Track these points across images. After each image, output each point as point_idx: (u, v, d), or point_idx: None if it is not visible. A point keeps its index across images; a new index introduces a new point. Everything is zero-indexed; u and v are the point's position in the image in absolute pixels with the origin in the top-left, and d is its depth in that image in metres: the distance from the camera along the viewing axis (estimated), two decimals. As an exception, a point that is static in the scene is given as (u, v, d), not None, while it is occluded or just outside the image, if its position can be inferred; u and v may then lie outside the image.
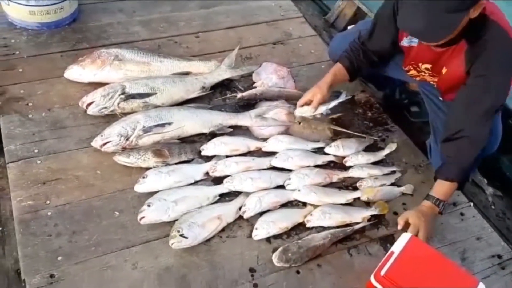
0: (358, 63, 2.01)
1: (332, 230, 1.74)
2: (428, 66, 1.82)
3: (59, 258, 1.55)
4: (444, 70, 1.77)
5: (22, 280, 1.56)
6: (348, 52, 2.03)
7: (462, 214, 1.93)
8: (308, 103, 1.98)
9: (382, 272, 1.44)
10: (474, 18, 1.51)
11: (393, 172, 2.00)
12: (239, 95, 2.13)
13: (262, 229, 1.69)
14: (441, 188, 1.73)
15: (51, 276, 1.51)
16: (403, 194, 1.94)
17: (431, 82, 1.91)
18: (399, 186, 1.95)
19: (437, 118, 1.96)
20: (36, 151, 1.82)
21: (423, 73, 1.89)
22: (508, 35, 1.60)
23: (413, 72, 1.92)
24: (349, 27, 2.59)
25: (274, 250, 1.66)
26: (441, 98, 1.90)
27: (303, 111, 2.00)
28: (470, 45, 1.63)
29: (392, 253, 1.50)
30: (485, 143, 1.71)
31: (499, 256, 1.81)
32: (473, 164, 1.77)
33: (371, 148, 2.09)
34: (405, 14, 1.54)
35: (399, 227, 1.71)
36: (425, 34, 1.54)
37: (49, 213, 1.66)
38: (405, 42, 1.84)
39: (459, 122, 1.70)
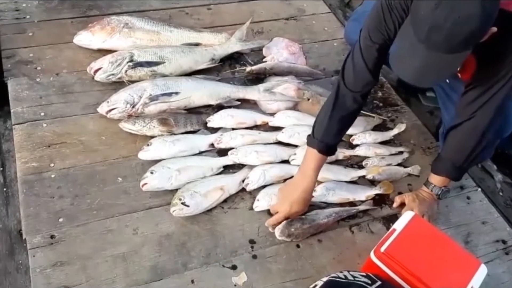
0: (339, 136, 1.71)
1: (336, 209, 1.72)
2: None
3: (61, 219, 1.56)
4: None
5: (23, 240, 1.58)
6: (325, 128, 1.65)
7: (468, 197, 1.90)
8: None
9: (382, 249, 1.42)
10: None
11: (401, 152, 1.97)
12: (248, 68, 2.10)
13: (264, 201, 1.69)
14: (437, 176, 1.71)
15: (52, 236, 1.52)
16: (409, 175, 1.91)
17: None
18: (405, 167, 1.92)
19: (446, 109, 1.91)
20: (42, 114, 1.83)
21: None
22: None
23: None
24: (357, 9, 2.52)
25: (275, 223, 1.66)
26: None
27: None
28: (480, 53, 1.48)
29: (394, 230, 1.48)
30: (490, 130, 1.60)
31: (504, 242, 1.79)
32: (471, 159, 1.67)
33: (379, 128, 2.06)
34: (396, 61, 1.40)
35: (395, 205, 1.77)
36: (427, 79, 1.40)
37: (52, 176, 1.66)
38: None
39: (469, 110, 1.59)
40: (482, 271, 1.42)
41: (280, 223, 1.64)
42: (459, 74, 1.63)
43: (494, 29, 1.30)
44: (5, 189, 1.83)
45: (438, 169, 1.70)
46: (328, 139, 1.65)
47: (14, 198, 1.80)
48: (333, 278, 1.25)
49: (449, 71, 1.38)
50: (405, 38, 1.34)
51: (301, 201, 1.65)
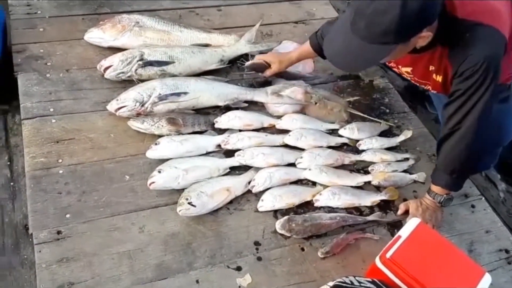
0: None
1: (342, 214, 1.73)
2: (408, 69, 1.74)
3: (68, 215, 1.57)
4: (437, 77, 1.64)
5: (29, 235, 1.58)
6: (324, 32, 1.91)
7: (473, 206, 1.91)
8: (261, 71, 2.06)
9: (388, 255, 1.42)
10: (445, 22, 1.42)
11: (406, 159, 1.97)
12: (247, 63, 2.10)
13: (268, 201, 1.70)
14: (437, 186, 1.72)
15: (58, 232, 1.52)
16: (415, 181, 1.92)
17: (424, 87, 1.79)
18: (411, 173, 1.93)
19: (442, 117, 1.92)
20: (51, 110, 1.83)
21: (405, 76, 1.80)
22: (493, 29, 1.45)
23: (401, 74, 1.84)
24: None
25: (281, 225, 1.66)
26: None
27: None
28: (451, 48, 1.50)
29: (399, 237, 1.48)
30: (478, 140, 1.59)
31: (507, 251, 1.79)
32: (465, 170, 1.69)
33: (386, 134, 2.06)
34: (329, 39, 1.47)
35: (399, 212, 1.78)
36: (342, 62, 1.46)
37: (60, 172, 1.67)
38: None
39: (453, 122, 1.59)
40: (486, 280, 1.43)
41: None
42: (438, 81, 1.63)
43: (429, 34, 1.35)
44: (12, 184, 1.85)
45: (435, 179, 1.72)
46: None
47: (20, 193, 1.81)
48: (339, 283, 1.25)
49: (367, 61, 1.42)
50: (342, 20, 1.39)
51: (277, 57, 2.00)
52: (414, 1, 1.25)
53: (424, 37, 1.36)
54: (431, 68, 1.62)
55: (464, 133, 1.56)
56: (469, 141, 1.57)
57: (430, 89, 1.75)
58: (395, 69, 1.84)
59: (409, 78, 1.81)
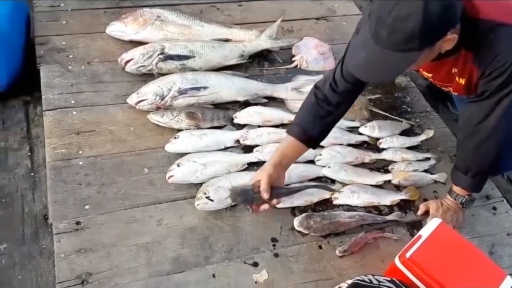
0: (318, 124, 1.61)
1: (361, 213, 1.71)
2: (429, 75, 1.71)
3: (87, 206, 1.58)
4: (460, 80, 1.59)
5: (49, 225, 1.60)
6: (299, 118, 1.64)
7: (494, 208, 1.87)
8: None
9: (408, 254, 1.40)
10: (466, 24, 1.36)
11: (428, 159, 1.94)
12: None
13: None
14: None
15: (77, 223, 1.54)
16: (436, 182, 1.89)
17: (445, 89, 1.75)
18: (432, 173, 1.90)
19: None
20: (72, 102, 1.85)
21: (426, 77, 1.77)
22: None
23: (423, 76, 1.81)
24: None
25: (299, 222, 1.65)
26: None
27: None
28: (476, 51, 1.45)
29: (420, 236, 1.46)
30: (499, 140, 1.55)
31: (529, 254, 1.76)
32: (484, 171, 1.65)
33: (407, 133, 2.04)
34: (351, 52, 1.42)
35: (419, 212, 1.76)
36: (366, 73, 1.37)
37: (80, 163, 1.68)
38: None
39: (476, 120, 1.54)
40: (507, 283, 1.40)
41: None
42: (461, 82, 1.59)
43: (455, 36, 1.30)
44: (32, 174, 1.87)
45: (455, 179, 1.69)
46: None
47: (41, 183, 1.83)
48: (358, 281, 1.24)
49: (392, 70, 1.35)
50: (364, 30, 1.33)
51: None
52: (436, 2, 1.20)
53: (450, 40, 1.31)
54: (454, 70, 1.58)
55: (489, 132, 1.52)
56: (493, 140, 1.54)
57: (452, 90, 1.71)
58: (416, 69, 1.80)
59: (430, 80, 1.78)
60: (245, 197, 1.51)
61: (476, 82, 1.50)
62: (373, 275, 1.29)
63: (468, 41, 1.42)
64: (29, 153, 1.93)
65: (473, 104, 1.54)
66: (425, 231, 1.47)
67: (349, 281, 1.25)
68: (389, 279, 1.28)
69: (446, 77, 1.64)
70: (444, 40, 1.30)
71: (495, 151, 1.57)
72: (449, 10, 1.24)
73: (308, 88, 2.00)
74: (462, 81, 1.57)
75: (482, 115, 1.51)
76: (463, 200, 1.68)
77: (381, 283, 1.24)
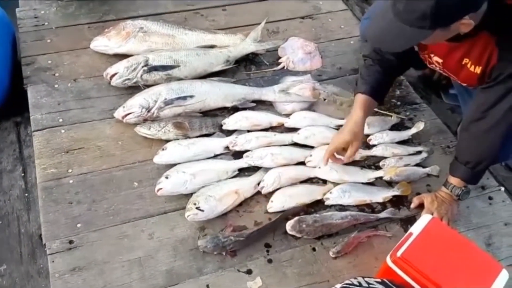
0: (380, 82, 1.78)
1: (353, 213, 1.70)
2: (440, 60, 1.68)
3: (79, 225, 1.59)
4: (475, 69, 1.58)
5: (44, 245, 1.61)
6: (363, 77, 1.80)
7: (490, 198, 1.85)
8: (338, 152, 1.74)
9: (399, 253, 1.39)
10: (494, 9, 1.36)
11: (419, 152, 1.92)
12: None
13: (278, 202, 1.68)
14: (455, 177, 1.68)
15: (70, 242, 1.54)
16: (428, 175, 1.87)
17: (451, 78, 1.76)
18: (424, 167, 1.88)
19: (466, 105, 1.86)
20: (60, 120, 1.86)
21: (434, 66, 1.75)
22: None
23: (430, 63, 1.80)
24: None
25: (291, 226, 1.65)
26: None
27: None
28: (501, 35, 1.46)
29: (411, 234, 1.44)
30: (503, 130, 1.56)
31: (528, 244, 1.74)
32: (485, 162, 1.65)
33: (397, 127, 2.02)
34: (373, 22, 1.47)
35: (413, 206, 1.75)
36: (382, 42, 1.46)
37: (70, 181, 1.69)
38: None
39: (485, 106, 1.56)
40: (503, 277, 1.38)
41: (332, 154, 1.71)
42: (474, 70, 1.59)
43: (471, 22, 1.32)
44: (26, 194, 1.89)
45: (453, 170, 1.68)
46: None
47: (35, 203, 1.85)
48: (347, 285, 1.23)
49: (407, 42, 1.39)
50: (386, 3, 1.37)
51: (351, 132, 1.69)
52: None
53: (466, 24, 1.33)
54: (465, 61, 1.57)
55: (489, 123, 1.54)
56: (497, 129, 1.54)
57: (459, 80, 1.69)
58: (425, 57, 1.78)
59: (437, 68, 1.76)
60: (216, 244, 1.55)
61: (493, 66, 1.49)
62: (363, 277, 1.28)
63: (495, 25, 1.42)
64: (22, 174, 1.95)
65: (485, 91, 1.54)
66: (416, 228, 1.46)
67: (338, 286, 1.24)
68: (379, 280, 1.27)
69: (455, 66, 1.63)
70: (461, 23, 1.32)
71: (498, 140, 1.57)
72: None
73: (296, 89, 2.02)
74: (478, 70, 1.56)
75: (492, 100, 1.52)
76: (460, 192, 1.67)
77: (370, 285, 1.23)
